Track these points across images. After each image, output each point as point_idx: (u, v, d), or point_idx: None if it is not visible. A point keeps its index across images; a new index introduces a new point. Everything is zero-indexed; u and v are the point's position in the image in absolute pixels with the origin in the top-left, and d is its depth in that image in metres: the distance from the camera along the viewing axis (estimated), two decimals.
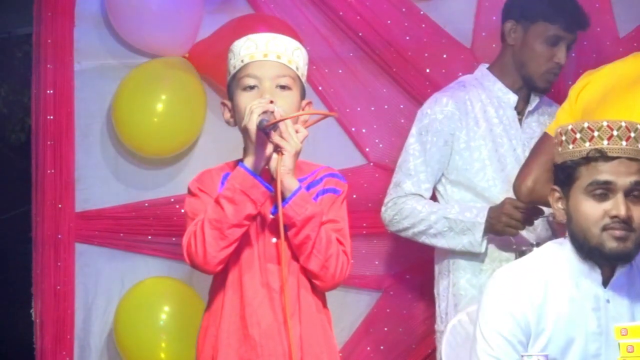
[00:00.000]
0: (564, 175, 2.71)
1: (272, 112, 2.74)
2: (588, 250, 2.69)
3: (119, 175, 4.08)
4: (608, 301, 2.72)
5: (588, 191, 2.66)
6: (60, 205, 3.99)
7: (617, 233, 2.64)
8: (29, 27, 4.08)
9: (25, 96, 5.94)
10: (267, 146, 2.75)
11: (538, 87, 3.72)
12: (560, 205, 2.74)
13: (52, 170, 3.98)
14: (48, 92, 3.98)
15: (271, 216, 2.82)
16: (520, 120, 3.74)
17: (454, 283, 3.69)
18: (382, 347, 4.11)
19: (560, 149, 2.73)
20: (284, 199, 2.76)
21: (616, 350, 2.60)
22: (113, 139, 4.06)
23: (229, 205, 2.73)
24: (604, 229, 2.65)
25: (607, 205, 2.65)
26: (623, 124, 2.65)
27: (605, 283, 2.73)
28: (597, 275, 2.72)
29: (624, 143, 2.64)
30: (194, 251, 2.78)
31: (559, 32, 3.66)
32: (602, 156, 2.64)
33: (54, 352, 3.97)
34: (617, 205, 2.64)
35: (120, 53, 4.07)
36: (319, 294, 2.89)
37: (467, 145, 3.69)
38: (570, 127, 2.69)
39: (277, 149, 2.76)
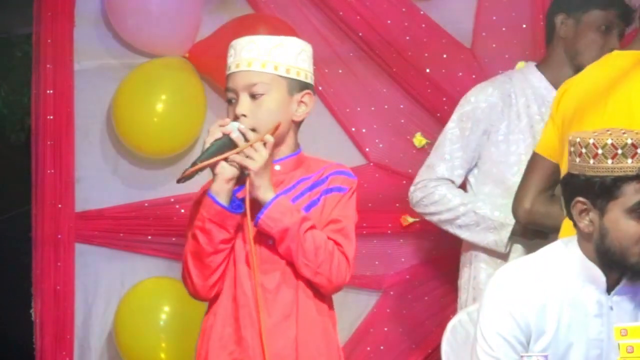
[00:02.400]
0: (601, 189, 2.64)
1: (227, 135, 2.74)
2: (623, 267, 2.67)
3: (119, 175, 4.08)
4: (611, 308, 2.70)
5: (632, 210, 2.62)
6: (60, 205, 3.99)
7: None
8: (29, 27, 4.08)
9: (25, 96, 5.94)
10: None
11: None
12: (586, 216, 2.68)
13: (52, 170, 3.99)
14: (48, 92, 3.98)
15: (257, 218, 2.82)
16: None
17: (474, 276, 3.67)
18: (382, 347, 4.11)
19: (592, 161, 2.64)
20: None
21: (618, 357, 2.60)
22: (113, 139, 4.06)
23: (202, 235, 2.76)
24: None
25: None
26: None
27: (609, 290, 2.71)
28: (602, 282, 2.69)
29: None
30: (185, 284, 2.85)
31: (612, 18, 3.63)
32: None
33: (54, 352, 3.98)
34: None
35: (120, 53, 4.07)
36: (323, 296, 2.88)
37: (505, 138, 3.67)
38: (610, 141, 2.62)
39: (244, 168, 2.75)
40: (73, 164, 4.02)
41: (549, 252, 2.79)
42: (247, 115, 2.78)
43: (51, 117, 3.99)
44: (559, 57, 3.70)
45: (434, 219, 3.69)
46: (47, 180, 3.99)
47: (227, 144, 2.75)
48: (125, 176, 4.08)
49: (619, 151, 2.61)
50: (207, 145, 2.75)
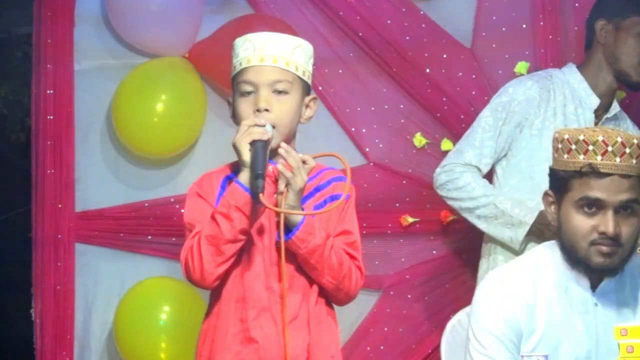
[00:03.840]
0: (558, 183, 2.73)
1: (268, 140, 2.74)
2: (575, 261, 2.71)
3: (119, 175, 4.08)
4: (596, 305, 2.74)
5: (578, 205, 2.67)
6: (60, 205, 3.99)
7: (604, 249, 2.65)
8: (29, 27, 4.08)
9: (25, 96, 5.94)
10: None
11: (633, 81, 3.70)
12: (552, 209, 2.76)
13: (52, 170, 3.99)
14: (48, 92, 3.99)
15: (277, 238, 2.81)
16: (595, 125, 3.71)
17: (492, 267, 3.67)
18: (382, 347, 4.12)
19: (556, 155, 2.74)
20: (288, 230, 2.77)
21: (607, 353, 2.63)
22: (113, 139, 4.06)
23: (225, 221, 2.74)
24: (592, 243, 2.66)
25: (596, 220, 2.66)
26: (619, 140, 2.64)
27: (593, 287, 2.75)
28: (585, 280, 2.74)
29: (617, 160, 2.64)
30: (191, 268, 2.79)
31: None
32: (594, 172, 2.64)
33: (54, 352, 3.98)
34: (605, 222, 2.64)
35: (120, 53, 4.07)
36: (328, 299, 2.89)
37: (539, 133, 3.66)
38: (566, 136, 2.70)
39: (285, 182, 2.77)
40: (73, 164, 4.02)
41: (537, 253, 2.84)
42: (270, 110, 2.79)
43: (51, 117, 3.99)
44: (598, 62, 3.72)
45: (455, 204, 3.69)
46: (47, 180, 3.99)
47: (265, 144, 2.74)
48: (125, 176, 4.08)
49: (573, 147, 2.68)
50: (247, 140, 2.72)
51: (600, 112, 3.73)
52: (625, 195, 2.64)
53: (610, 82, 3.71)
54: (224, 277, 2.83)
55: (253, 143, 2.72)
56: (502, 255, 3.67)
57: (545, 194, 2.78)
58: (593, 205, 2.66)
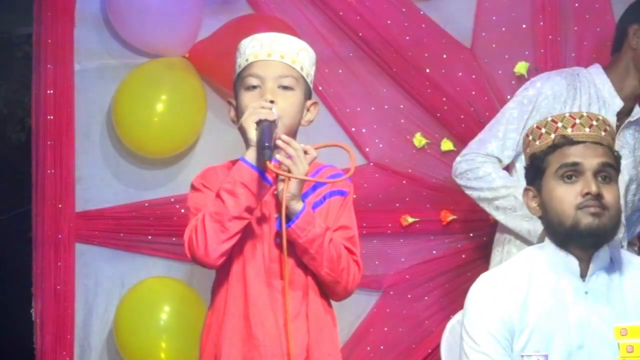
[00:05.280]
0: (534, 169, 2.81)
1: (274, 121, 2.76)
2: (564, 234, 2.76)
3: (119, 175, 4.08)
4: (587, 293, 2.78)
5: (558, 175, 2.76)
6: (60, 205, 3.99)
7: (592, 209, 2.72)
8: (29, 27, 4.08)
9: (25, 96, 5.94)
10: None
11: None
12: (535, 202, 2.83)
13: (52, 170, 3.99)
14: (48, 92, 3.99)
15: (277, 228, 2.82)
16: (617, 128, 3.68)
17: (506, 259, 3.64)
18: (382, 347, 4.12)
19: (528, 149, 2.84)
20: (288, 221, 2.78)
21: (599, 342, 2.66)
22: (113, 139, 4.06)
23: (230, 197, 2.74)
24: (578, 207, 2.73)
25: (578, 186, 2.74)
26: (585, 114, 2.79)
27: (583, 276, 2.79)
28: (575, 269, 2.78)
29: (587, 129, 2.76)
30: (195, 245, 2.78)
31: None
32: (567, 141, 2.76)
33: (54, 352, 3.98)
34: (587, 183, 2.73)
35: (120, 53, 4.07)
36: (327, 296, 2.90)
37: None
38: (535, 125, 2.83)
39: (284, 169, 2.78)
40: (73, 164, 4.02)
41: (526, 253, 2.90)
42: (275, 103, 2.81)
43: (51, 117, 3.99)
44: (626, 66, 3.71)
45: (474, 194, 3.67)
46: (47, 180, 3.99)
47: (271, 125, 2.76)
48: (125, 176, 4.08)
49: (543, 130, 2.81)
50: (253, 119, 2.75)
51: (621, 116, 3.72)
52: (601, 159, 2.75)
53: (635, 87, 3.70)
54: (227, 273, 2.84)
55: (259, 123, 2.73)
56: (516, 248, 3.64)
57: (526, 190, 2.85)
58: (572, 173, 2.75)
